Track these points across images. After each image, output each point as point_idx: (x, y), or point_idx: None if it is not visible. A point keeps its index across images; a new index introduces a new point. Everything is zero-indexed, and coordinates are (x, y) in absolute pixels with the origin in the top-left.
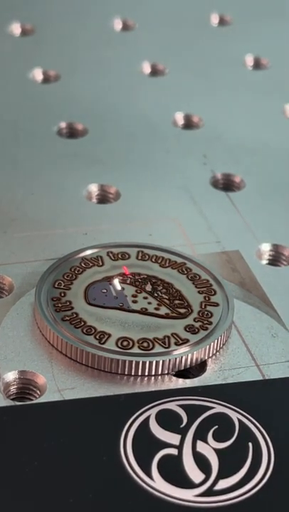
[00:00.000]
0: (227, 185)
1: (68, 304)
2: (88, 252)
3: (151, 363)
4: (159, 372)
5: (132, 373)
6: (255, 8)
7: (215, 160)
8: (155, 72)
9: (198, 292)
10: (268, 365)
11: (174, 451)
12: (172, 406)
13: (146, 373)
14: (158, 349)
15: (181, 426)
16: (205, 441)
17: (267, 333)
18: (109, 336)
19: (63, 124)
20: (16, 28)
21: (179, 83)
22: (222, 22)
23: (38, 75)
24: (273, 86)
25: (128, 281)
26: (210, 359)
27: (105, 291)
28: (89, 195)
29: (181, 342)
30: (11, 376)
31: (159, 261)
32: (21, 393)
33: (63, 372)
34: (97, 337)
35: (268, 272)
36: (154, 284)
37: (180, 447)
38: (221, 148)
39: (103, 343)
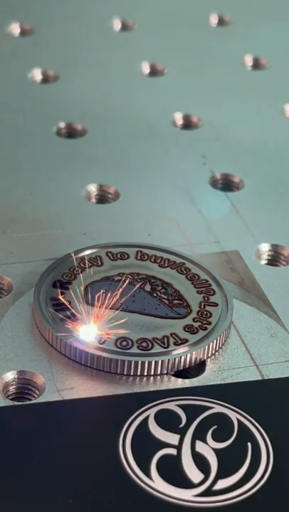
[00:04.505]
0: (226, 185)
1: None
2: (87, 252)
3: (150, 362)
4: (158, 372)
5: (131, 373)
6: (255, 8)
7: (214, 160)
8: (154, 72)
9: (198, 292)
10: (267, 365)
11: (173, 451)
12: (171, 406)
13: (146, 373)
14: (157, 349)
15: (180, 426)
16: (204, 441)
17: (266, 333)
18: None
19: (62, 124)
20: (15, 28)
21: (178, 83)
22: (221, 22)
23: (37, 75)
24: (272, 86)
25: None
26: (209, 359)
27: (104, 291)
28: (88, 195)
29: (180, 342)
30: (10, 376)
31: (158, 261)
32: (20, 393)
33: (62, 373)
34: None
35: (267, 272)
36: (153, 284)
37: (179, 447)
38: (220, 149)
39: (102, 343)
